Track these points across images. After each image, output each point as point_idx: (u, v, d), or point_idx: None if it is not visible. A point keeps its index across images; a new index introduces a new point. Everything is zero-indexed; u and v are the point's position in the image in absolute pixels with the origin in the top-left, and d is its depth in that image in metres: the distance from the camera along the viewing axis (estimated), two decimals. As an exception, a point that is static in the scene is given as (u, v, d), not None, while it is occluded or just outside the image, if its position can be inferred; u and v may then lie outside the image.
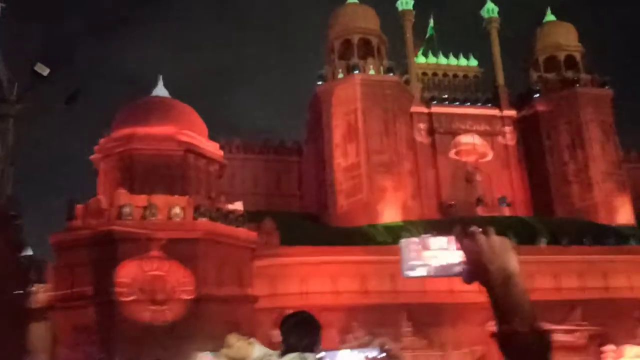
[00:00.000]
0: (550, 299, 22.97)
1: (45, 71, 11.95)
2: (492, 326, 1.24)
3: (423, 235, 1.38)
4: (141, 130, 20.60)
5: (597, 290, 25.33)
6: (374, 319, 23.31)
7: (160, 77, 23.73)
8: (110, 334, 17.53)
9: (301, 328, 3.24)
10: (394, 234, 26.76)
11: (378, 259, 24.35)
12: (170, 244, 18.10)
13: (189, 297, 17.88)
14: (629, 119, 37.28)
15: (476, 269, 1.26)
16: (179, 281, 17.89)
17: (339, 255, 24.29)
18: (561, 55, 35.51)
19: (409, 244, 1.38)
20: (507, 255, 1.26)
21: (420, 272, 1.35)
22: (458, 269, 1.31)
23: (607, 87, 33.88)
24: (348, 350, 4.11)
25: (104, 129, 22.39)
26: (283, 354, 3.15)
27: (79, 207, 19.20)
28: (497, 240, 1.27)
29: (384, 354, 2.80)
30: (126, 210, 17.97)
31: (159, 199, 18.60)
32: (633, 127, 36.91)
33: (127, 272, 17.75)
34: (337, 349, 3.42)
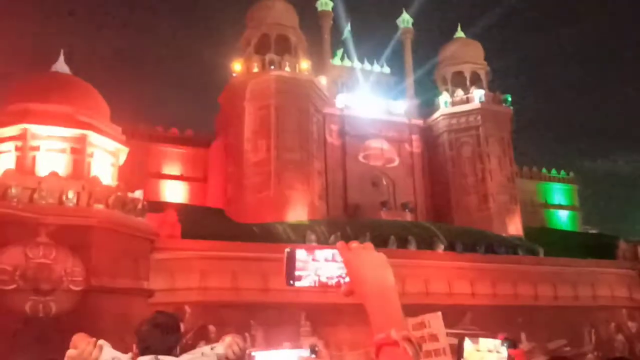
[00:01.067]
0: (444, 303, 23.89)
1: None
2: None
3: (310, 245, 1.37)
4: (37, 106, 19.07)
5: (486, 296, 26.69)
6: (273, 317, 23.13)
7: (62, 52, 22.13)
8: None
9: (161, 329, 3.10)
10: (299, 232, 26.73)
11: (280, 257, 23.97)
12: (60, 231, 16.83)
13: (77, 288, 16.71)
14: (523, 137, 39.78)
15: (355, 281, 1.31)
16: (68, 270, 16.67)
17: (241, 252, 23.87)
18: (467, 71, 37.16)
19: (295, 254, 1.40)
20: (384, 270, 1.32)
21: (305, 282, 1.39)
22: (341, 280, 1.35)
23: (506, 105, 35.86)
24: (283, 350, 3.92)
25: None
26: (137, 356, 3.00)
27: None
28: (375, 255, 1.33)
29: (313, 355, 2.59)
30: (13, 191, 16.50)
31: (52, 182, 17.26)
32: (526, 145, 39.39)
33: (9, 258, 16.30)
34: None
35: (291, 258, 1.43)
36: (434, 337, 5.80)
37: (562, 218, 40.34)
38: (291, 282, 1.43)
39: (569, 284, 28.36)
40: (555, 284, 28.00)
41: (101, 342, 3.06)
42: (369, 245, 1.38)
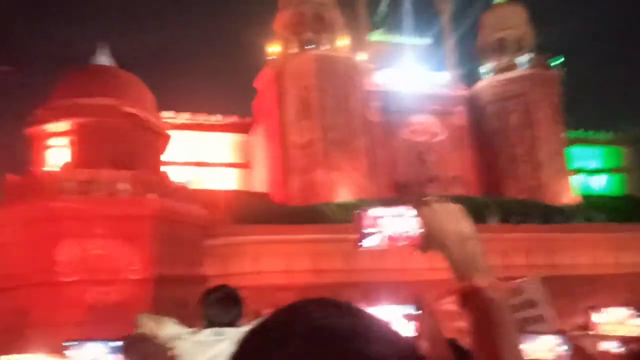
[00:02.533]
0: (501, 275, 23.24)
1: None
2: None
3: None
4: (83, 100, 19.22)
5: (544, 267, 25.89)
6: (327, 297, 23.00)
7: (104, 45, 22.23)
8: (51, 317, 16.35)
9: (223, 303, 3.15)
10: (348, 213, 26.42)
11: (332, 238, 24.01)
12: (115, 221, 16.99)
13: (136, 277, 16.88)
14: (575, 101, 38.20)
15: (432, 234, 1.27)
16: (125, 260, 16.85)
17: (293, 234, 23.77)
18: (511, 36, 35.85)
19: (364, 214, 1.36)
20: (463, 220, 1.30)
21: (376, 240, 1.34)
22: (414, 236, 1.30)
23: (554, 69, 34.47)
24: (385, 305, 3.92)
25: (40, 99, 20.80)
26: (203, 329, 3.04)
27: (16, 181, 17.76)
28: (452, 206, 1.32)
29: (420, 312, 2.42)
30: (68, 185, 16.70)
31: (104, 174, 17.41)
32: (579, 109, 37.83)
33: (68, 251, 16.56)
34: None
35: (359, 218, 1.37)
36: (531, 304, 5.37)
37: (608, 182, 38.61)
38: (360, 244, 1.37)
39: (632, 250, 27.25)
40: (616, 250, 26.94)
41: (164, 318, 3.16)
42: (445, 198, 1.35)
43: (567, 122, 34.48)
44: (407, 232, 1.32)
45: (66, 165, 17.34)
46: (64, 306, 16.62)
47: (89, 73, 20.74)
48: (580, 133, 38.52)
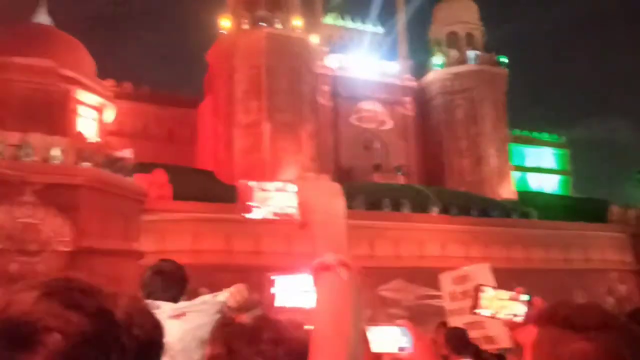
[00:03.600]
0: (438, 266, 23.67)
1: None
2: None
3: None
4: (18, 60, 18.03)
5: (480, 259, 26.53)
6: (267, 280, 22.75)
7: (44, 3, 20.93)
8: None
9: (165, 278, 3.03)
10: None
11: (273, 220, 23.71)
12: (46, 190, 16.07)
13: (66, 249, 16.05)
14: (518, 99, 39.25)
15: (302, 208, 1.29)
16: (56, 231, 15.99)
17: (234, 214, 23.30)
18: (462, 31, 36.36)
19: (248, 185, 1.37)
20: (335, 198, 1.30)
21: (257, 214, 1.36)
22: (294, 210, 1.31)
23: (501, 67, 35.25)
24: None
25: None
26: None
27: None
28: (327, 184, 1.33)
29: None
30: (-3, 147, 15.65)
31: (36, 138, 16.40)
32: (522, 107, 38.86)
33: (-6, 218, 15.56)
34: None
35: (243, 189, 1.39)
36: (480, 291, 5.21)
37: (553, 183, 40.25)
38: (244, 214, 1.39)
39: (561, 247, 28.34)
40: (548, 247, 27.95)
41: None
42: (324, 176, 1.85)
43: (513, 121, 35.47)
44: (289, 207, 1.32)
45: (-6, 126, 16.24)
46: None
47: (26, 31, 19.46)
48: (526, 133, 39.79)
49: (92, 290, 0.82)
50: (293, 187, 1.33)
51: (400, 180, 31.80)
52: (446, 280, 5.67)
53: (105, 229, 17.81)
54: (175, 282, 3.10)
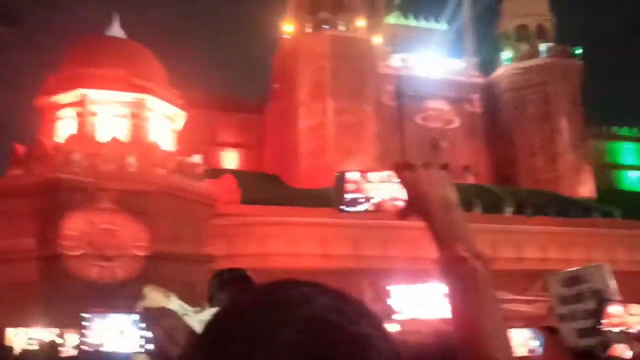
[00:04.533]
0: (512, 268, 22.75)
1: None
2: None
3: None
4: (93, 71, 18.69)
5: (557, 261, 25.31)
6: (335, 283, 22.49)
7: (117, 17, 21.66)
8: (52, 291, 15.98)
9: (234, 285, 3.03)
10: (358, 198, 25.89)
11: (341, 222, 23.57)
12: (122, 196, 16.53)
13: (142, 254, 16.46)
14: (595, 93, 37.35)
15: (415, 199, 1.21)
16: (132, 236, 16.42)
17: (302, 217, 23.30)
18: (532, 24, 34.98)
19: (345, 176, 1.28)
20: (447, 187, 1.23)
21: (359, 207, 1.27)
22: (398, 202, 1.23)
23: (576, 59, 33.62)
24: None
25: (51, 69, 20.28)
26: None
27: (22, 151, 17.31)
28: (437, 172, 1.24)
29: None
30: (75, 156, 16.24)
31: (112, 147, 16.92)
32: (598, 101, 37.02)
33: (74, 224, 16.15)
34: None
35: (341, 181, 1.27)
36: (596, 295, 4.73)
37: (634, 179, 37.95)
38: (342, 207, 1.27)
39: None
40: (633, 248, 26.31)
41: (171, 294, 3.14)
42: (431, 163, 1.25)
43: (591, 116, 33.71)
44: (392, 198, 1.24)
45: (73, 136, 16.84)
46: (67, 280, 16.24)
47: (101, 43, 20.18)
48: (604, 128, 37.73)
49: None
50: (396, 177, 1.24)
51: (470, 180, 30.89)
52: (554, 283, 5.20)
53: (178, 234, 18.15)
54: (236, 290, 3.03)
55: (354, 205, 1.29)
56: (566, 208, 26.93)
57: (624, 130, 39.25)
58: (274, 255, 22.44)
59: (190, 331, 2.96)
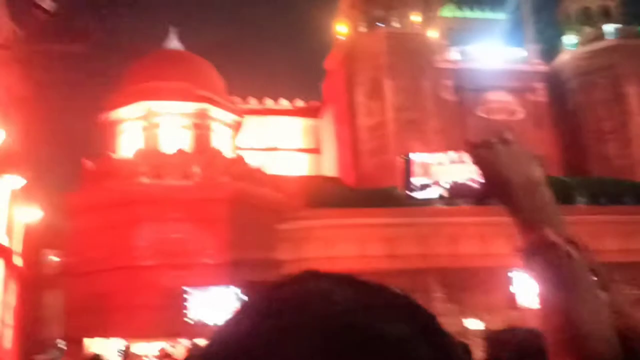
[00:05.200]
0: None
1: (50, 5, 10.42)
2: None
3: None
4: (156, 84, 19.14)
5: (637, 252, 23.97)
6: (403, 284, 22.17)
7: (174, 30, 22.14)
8: (129, 301, 16.41)
9: None
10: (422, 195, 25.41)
11: (407, 222, 23.16)
12: (189, 205, 16.81)
13: (212, 262, 16.66)
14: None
15: (494, 180, 1.09)
16: (201, 245, 16.65)
17: (366, 218, 23.04)
18: (594, 5, 33.39)
19: (412, 159, 0.82)
20: (531, 164, 1.12)
21: (431, 192, 0.83)
22: (473, 184, 1.16)
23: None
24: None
25: (115, 84, 20.91)
26: None
27: (94, 166, 17.90)
28: (518, 148, 1.12)
29: None
30: (144, 169, 16.64)
31: (177, 157, 17.24)
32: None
33: (144, 235, 16.53)
34: None
35: (407, 165, 0.74)
36: None
37: None
38: (410, 190, 0.71)
39: None
40: None
41: None
42: (509, 136, 1.12)
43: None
44: (467, 180, 0.77)
45: (139, 150, 17.26)
46: (141, 290, 16.64)
47: (161, 57, 20.67)
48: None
49: None
50: (470, 158, 1.11)
51: (538, 171, 29.71)
52: None
53: (245, 240, 18.28)
54: None
55: (424, 190, 1.10)
56: (642, 195, 25.48)
57: None
58: (340, 258, 22.30)
59: None
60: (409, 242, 23.25)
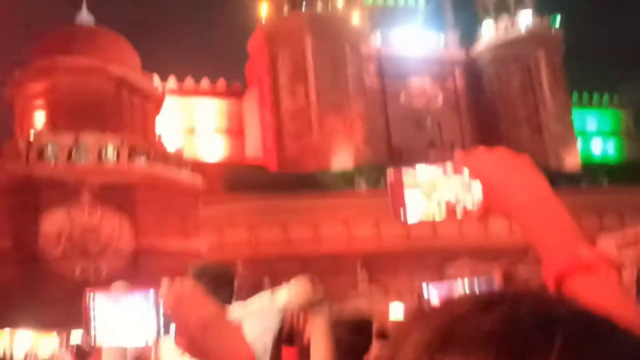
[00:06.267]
0: (505, 243, 22.56)
1: None
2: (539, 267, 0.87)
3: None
4: (65, 60, 17.74)
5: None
6: (328, 267, 22.11)
7: (84, 2, 20.63)
8: (33, 294, 15.19)
9: (212, 284, 2.72)
10: (346, 180, 25.38)
11: (331, 205, 23.10)
12: (103, 190, 15.74)
13: (127, 249, 15.73)
14: (576, 62, 37.02)
15: (497, 192, 0.95)
16: (116, 231, 15.66)
17: (290, 202, 22.74)
18: (511, -7, 34.51)
19: (401, 175, 0.98)
20: (534, 173, 0.96)
21: (419, 213, 0.98)
22: (472, 199, 0.97)
23: (556, 28, 33.29)
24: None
25: (18, 60, 19.27)
26: None
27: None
28: (516, 157, 0.98)
29: None
30: (49, 150, 15.36)
31: (89, 138, 16.08)
32: (580, 70, 36.73)
33: (53, 223, 15.33)
34: None
35: (398, 182, 0.97)
36: None
37: (614, 147, 37.75)
38: (403, 217, 0.95)
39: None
40: (623, 214, 26.25)
41: None
42: (502, 148, 0.99)
43: (570, 83, 33.46)
44: (465, 196, 0.95)
45: (46, 128, 15.95)
46: (50, 282, 15.46)
47: (70, 32, 19.17)
48: (576, 95, 37.30)
49: None
50: (465, 168, 0.96)
51: (457, 156, 30.53)
52: (607, 247, 4.76)
53: (163, 226, 17.43)
54: (223, 288, 2.87)
55: (415, 211, 0.98)
56: (554, 180, 26.71)
57: (595, 97, 38.61)
58: (263, 243, 21.91)
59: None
60: (334, 225, 23.20)
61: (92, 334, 2.08)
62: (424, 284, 4.01)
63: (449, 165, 0.99)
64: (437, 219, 0.96)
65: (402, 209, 0.97)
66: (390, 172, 0.99)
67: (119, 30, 20.78)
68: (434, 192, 0.98)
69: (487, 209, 0.97)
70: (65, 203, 15.65)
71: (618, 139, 38.31)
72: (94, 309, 2.19)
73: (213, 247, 19.96)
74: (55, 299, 15.01)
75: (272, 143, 28.72)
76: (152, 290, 1.99)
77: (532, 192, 0.92)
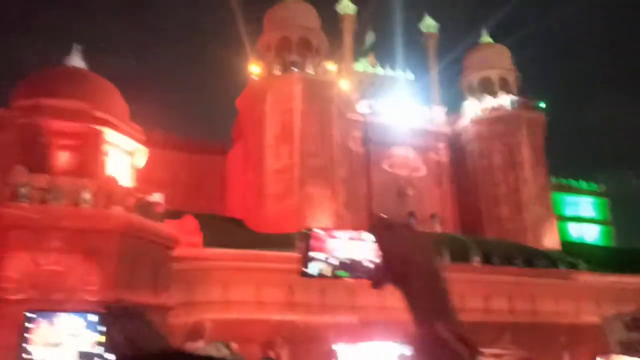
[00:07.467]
0: (480, 320, 22.11)
1: None
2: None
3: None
4: (48, 101, 17.52)
5: (526, 313, 24.84)
6: (299, 334, 21.35)
7: (76, 46, 20.65)
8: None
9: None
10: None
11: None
12: (75, 235, 15.16)
13: (92, 299, 14.98)
14: (556, 145, 37.97)
15: (394, 263, 1.08)
16: (83, 280, 14.97)
17: (265, 262, 22.19)
18: (495, 76, 35.65)
19: (310, 234, 1.24)
20: (431, 251, 1.14)
21: (320, 268, 1.23)
22: (369, 264, 1.22)
23: (540, 112, 34.25)
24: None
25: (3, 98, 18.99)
26: None
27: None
28: (419, 233, 1.13)
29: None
30: (23, 191, 14.86)
31: (66, 182, 15.63)
32: (559, 154, 37.54)
33: (16, 265, 14.63)
34: None
35: (307, 240, 1.25)
36: None
37: (594, 232, 38.39)
38: (304, 270, 1.20)
39: (613, 301, 26.44)
40: (599, 300, 26.09)
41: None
42: (413, 223, 1.15)
43: (551, 169, 34.17)
44: (362, 259, 1.23)
45: (19, 169, 15.48)
46: (9, 327, 14.57)
47: (57, 73, 19.05)
48: (563, 180, 38.28)
49: None
50: (370, 236, 1.13)
51: (436, 228, 30.47)
52: (614, 326, 4.59)
53: (134, 277, 16.74)
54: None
55: (315, 267, 1.21)
56: (532, 259, 26.68)
57: (582, 184, 39.92)
58: (235, 303, 21.16)
59: (158, 336, 2.65)
60: (307, 289, 22.60)
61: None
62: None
63: (364, 233, 1.02)
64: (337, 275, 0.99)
65: (307, 263, 0.94)
66: (303, 232, 0.97)
67: (110, 79, 20.75)
68: (343, 252, 1.03)
69: (385, 275, 1.03)
70: (34, 247, 15.00)
71: (598, 225, 38.98)
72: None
73: (184, 303, 19.21)
74: (12, 346, 14.10)
75: (253, 201, 28.41)
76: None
77: (423, 267, 0.99)
